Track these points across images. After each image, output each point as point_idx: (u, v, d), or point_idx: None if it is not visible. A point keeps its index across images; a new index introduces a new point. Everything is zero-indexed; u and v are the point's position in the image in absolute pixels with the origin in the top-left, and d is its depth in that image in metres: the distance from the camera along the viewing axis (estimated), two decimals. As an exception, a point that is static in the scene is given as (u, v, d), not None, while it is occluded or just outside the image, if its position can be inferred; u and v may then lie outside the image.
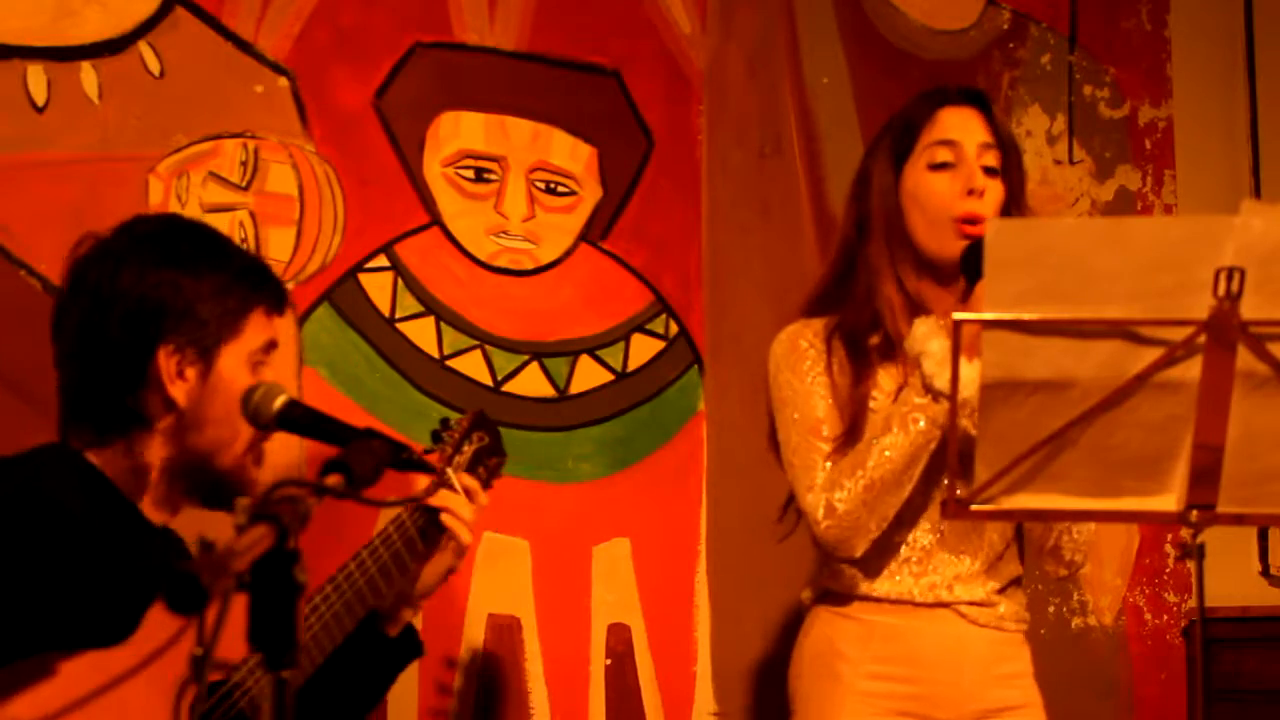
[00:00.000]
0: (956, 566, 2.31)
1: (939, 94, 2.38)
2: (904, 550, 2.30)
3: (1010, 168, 2.35)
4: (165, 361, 1.91)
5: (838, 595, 2.34)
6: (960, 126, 2.34)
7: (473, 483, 2.16)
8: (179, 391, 1.92)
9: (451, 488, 2.13)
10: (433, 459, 2.16)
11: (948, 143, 2.33)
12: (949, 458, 1.82)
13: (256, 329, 1.98)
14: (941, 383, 2.16)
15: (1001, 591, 2.34)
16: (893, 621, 2.30)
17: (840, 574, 2.34)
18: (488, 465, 2.25)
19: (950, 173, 2.32)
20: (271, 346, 2.00)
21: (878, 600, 2.30)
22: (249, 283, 1.98)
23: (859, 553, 2.26)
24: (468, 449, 2.22)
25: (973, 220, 2.28)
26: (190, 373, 1.92)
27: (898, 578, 2.30)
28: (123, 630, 1.75)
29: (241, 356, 1.95)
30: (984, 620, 2.31)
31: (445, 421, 2.25)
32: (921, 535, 2.30)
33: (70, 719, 1.70)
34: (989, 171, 2.33)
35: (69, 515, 1.83)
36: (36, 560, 1.78)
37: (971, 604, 2.30)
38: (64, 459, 1.92)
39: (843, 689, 2.29)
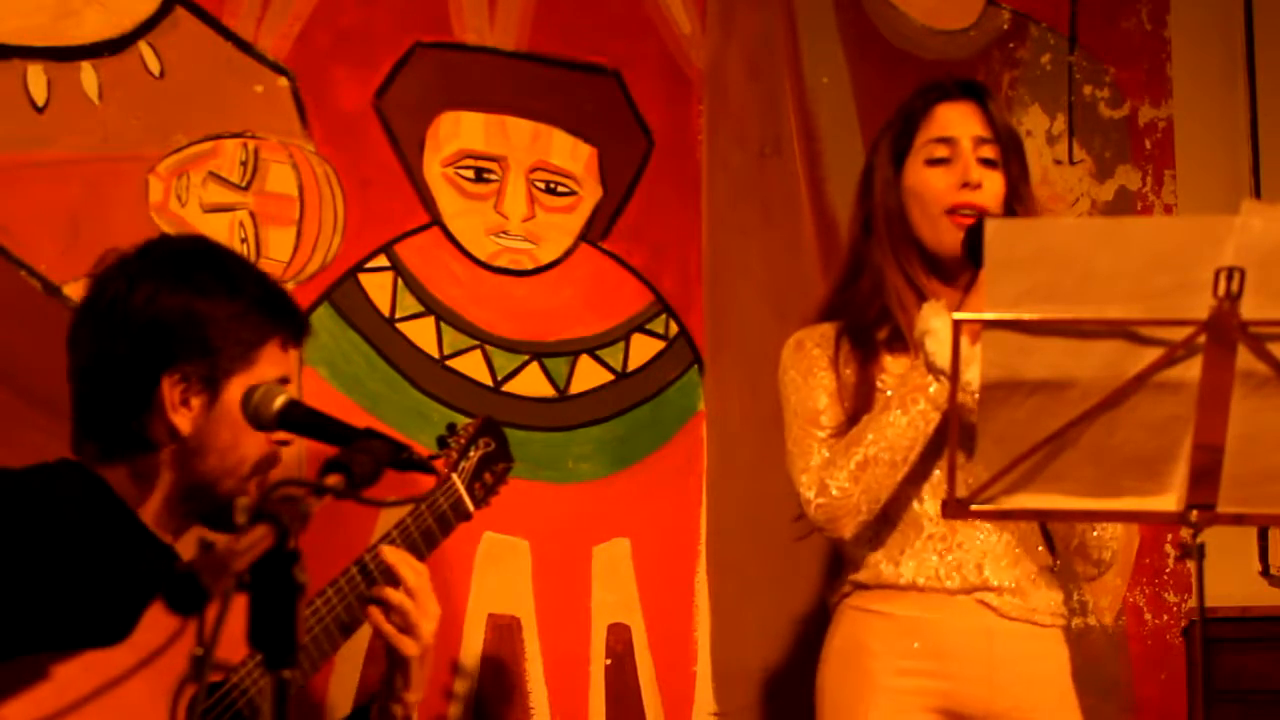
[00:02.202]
0: (982, 543, 2.29)
1: (935, 89, 2.39)
2: (928, 525, 2.29)
3: (1009, 159, 2.36)
4: (169, 390, 1.89)
5: (864, 586, 2.34)
6: (956, 122, 2.35)
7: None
8: (182, 420, 1.90)
9: (455, 492, 2.14)
10: (439, 464, 2.16)
11: (944, 139, 2.34)
12: (949, 453, 1.82)
13: (270, 362, 1.95)
14: (943, 360, 2.16)
15: (1033, 580, 2.32)
16: (920, 615, 2.28)
17: (864, 563, 2.33)
18: (494, 471, 2.25)
19: (946, 167, 2.32)
20: (284, 381, 1.95)
21: (904, 588, 2.29)
22: (267, 312, 1.95)
23: (849, 534, 2.26)
24: (474, 454, 2.22)
25: (967, 210, 2.28)
26: (195, 401, 1.91)
27: (924, 558, 2.28)
28: (119, 631, 1.75)
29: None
30: (1015, 613, 2.29)
31: (452, 427, 2.25)
32: None
33: (69, 719, 1.70)
34: (987, 164, 2.33)
35: (68, 521, 1.83)
36: (32, 563, 1.78)
37: (1001, 591, 2.28)
38: (73, 471, 1.92)
39: (871, 685, 2.29)
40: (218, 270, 1.95)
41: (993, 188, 2.32)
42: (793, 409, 2.35)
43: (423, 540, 2.08)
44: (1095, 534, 2.31)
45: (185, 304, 1.89)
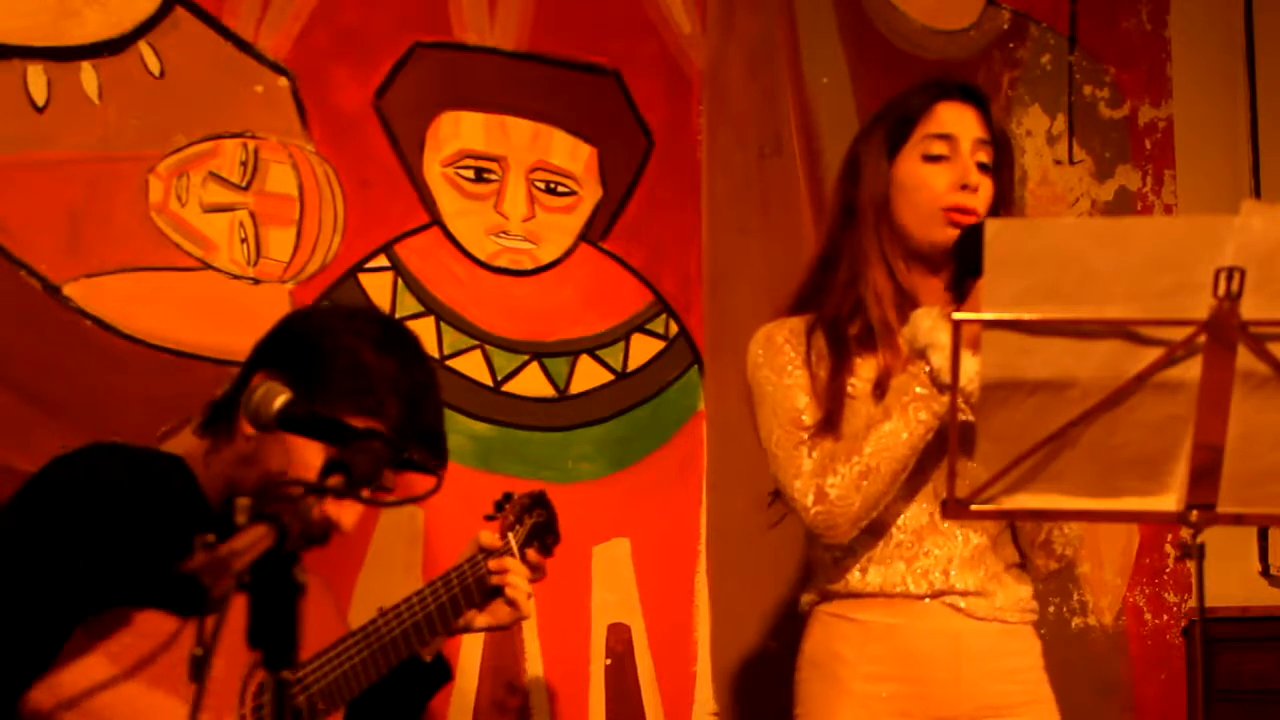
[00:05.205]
0: (949, 548, 2.29)
1: (937, 87, 2.38)
2: (895, 533, 2.29)
3: (1002, 166, 2.35)
4: (258, 379, 1.93)
5: (833, 594, 2.34)
6: (957, 121, 2.34)
7: (535, 557, 2.28)
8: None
9: (512, 555, 2.23)
10: (494, 526, 2.25)
11: (944, 136, 2.32)
12: (949, 456, 1.82)
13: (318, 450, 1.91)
14: (950, 376, 2.15)
15: (999, 579, 2.33)
16: (889, 621, 2.29)
17: (832, 570, 2.33)
18: (543, 542, 2.34)
19: (944, 165, 2.31)
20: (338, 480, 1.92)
21: (872, 596, 2.29)
22: (393, 421, 1.92)
23: (847, 538, 2.26)
24: (528, 520, 2.31)
25: (963, 211, 2.28)
26: None
27: (891, 565, 2.28)
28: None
29: (318, 451, 1.89)
30: (982, 613, 2.29)
31: (508, 495, 2.33)
32: (912, 517, 2.29)
33: (147, 695, 1.70)
34: (982, 168, 2.33)
35: (139, 501, 1.83)
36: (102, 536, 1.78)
37: (966, 595, 2.29)
38: (152, 452, 1.96)
39: (841, 691, 2.29)
40: (402, 348, 2.01)
41: (985, 192, 2.32)
42: (770, 409, 2.33)
43: (476, 588, 2.16)
44: (1060, 530, 2.32)
45: (356, 345, 1.95)
